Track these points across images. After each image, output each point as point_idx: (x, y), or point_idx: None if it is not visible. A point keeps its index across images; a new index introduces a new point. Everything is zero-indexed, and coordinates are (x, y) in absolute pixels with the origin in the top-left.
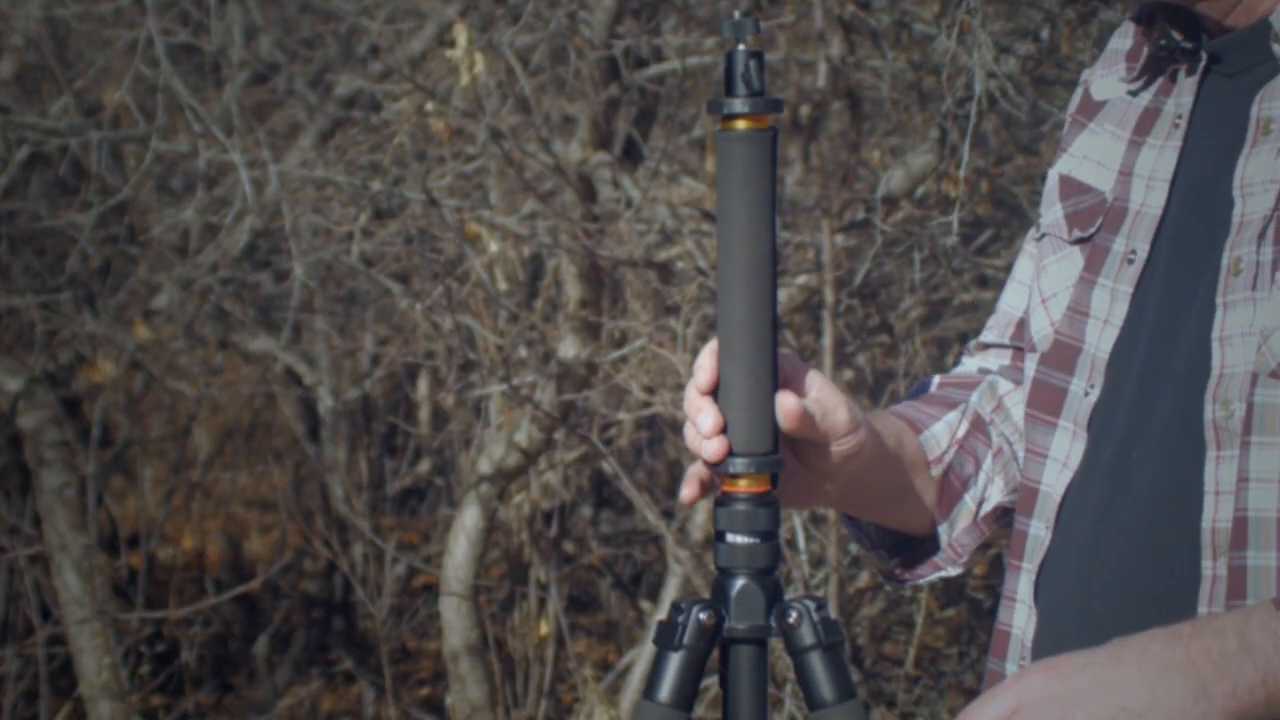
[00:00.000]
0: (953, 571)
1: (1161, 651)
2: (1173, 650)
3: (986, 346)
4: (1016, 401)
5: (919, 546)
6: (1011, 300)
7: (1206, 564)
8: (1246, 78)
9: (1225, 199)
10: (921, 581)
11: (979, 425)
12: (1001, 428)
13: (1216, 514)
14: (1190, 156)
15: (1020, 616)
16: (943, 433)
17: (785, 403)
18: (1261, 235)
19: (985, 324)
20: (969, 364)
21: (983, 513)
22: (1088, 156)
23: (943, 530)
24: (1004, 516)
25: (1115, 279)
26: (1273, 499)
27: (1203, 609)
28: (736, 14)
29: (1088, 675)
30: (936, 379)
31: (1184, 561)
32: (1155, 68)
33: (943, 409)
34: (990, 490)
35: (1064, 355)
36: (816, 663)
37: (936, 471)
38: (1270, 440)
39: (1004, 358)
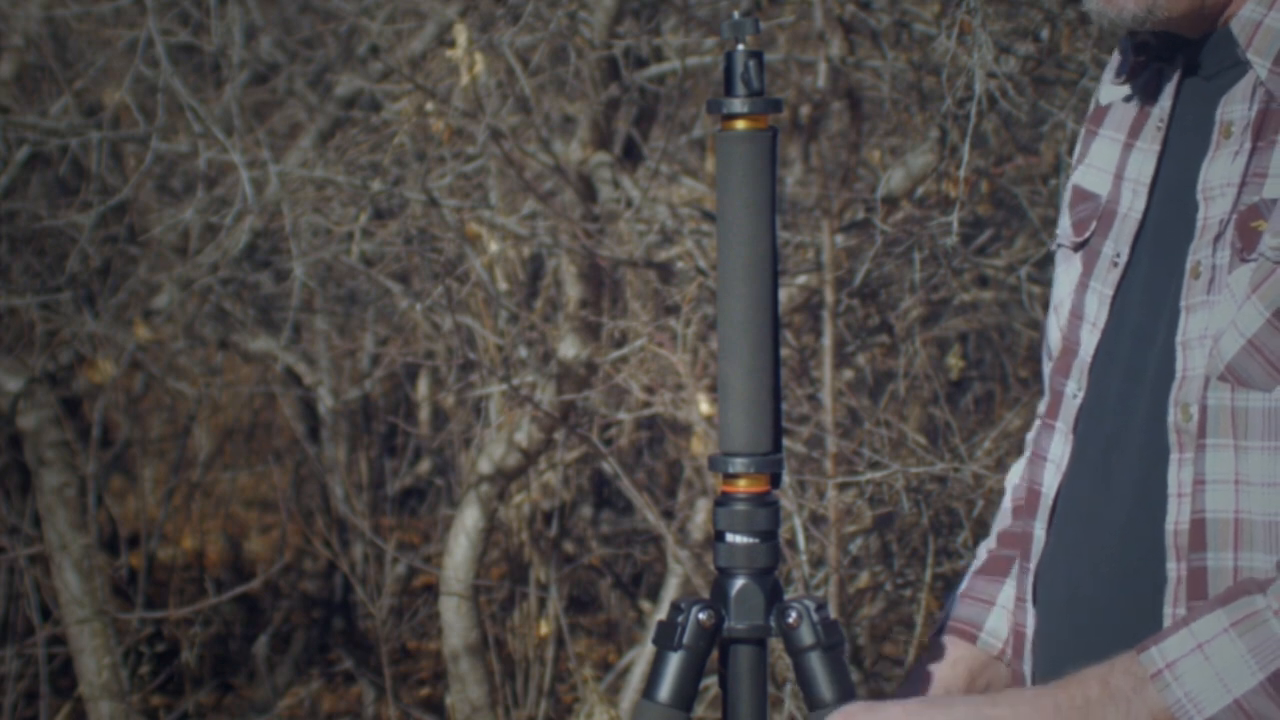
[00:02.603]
0: None
1: (1034, 698)
2: (1042, 698)
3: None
4: None
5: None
6: (1051, 330)
7: (1171, 565)
8: (1219, 81)
9: (1193, 203)
10: None
11: None
12: None
13: (1179, 516)
14: (1168, 160)
15: (1030, 616)
16: (1000, 622)
17: None
18: (1218, 238)
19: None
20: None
21: None
22: (1094, 164)
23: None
24: None
25: (1102, 282)
26: (1229, 500)
27: (1167, 610)
28: (736, 14)
29: (965, 708)
30: (1007, 508)
31: (1155, 564)
32: (1144, 74)
33: (998, 580)
34: None
35: (1066, 360)
36: (816, 663)
37: (1008, 656)
38: (1222, 442)
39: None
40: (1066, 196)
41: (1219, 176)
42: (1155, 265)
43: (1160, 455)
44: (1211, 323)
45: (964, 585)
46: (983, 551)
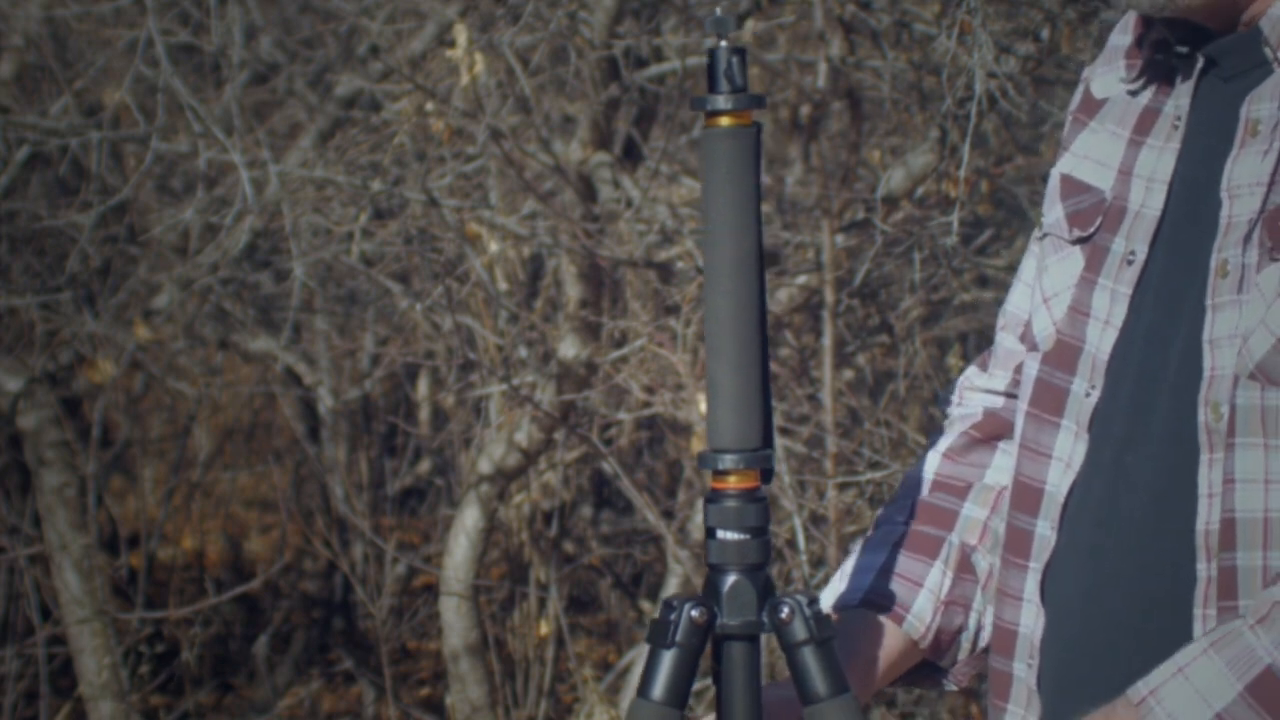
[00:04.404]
0: (953, 688)
1: None
2: None
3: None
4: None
5: (925, 675)
6: (1019, 302)
7: (1201, 566)
8: (1241, 81)
9: (1215, 201)
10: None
11: (964, 565)
12: (996, 529)
13: (1209, 516)
14: (1186, 159)
15: (1028, 615)
16: (925, 606)
17: None
18: (1247, 238)
19: (996, 323)
20: (972, 400)
21: (980, 645)
22: (1088, 156)
23: (944, 664)
24: None
25: (1115, 280)
26: (1259, 499)
27: (1197, 611)
28: (718, 10)
29: None
30: (928, 479)
31: (1181, 564)
32: (1154, 69)
33: (925, 560)
34: (985, 620)
35: (1066, 355)
36: (809, 657)
37: (926, 643)
38: (1253, 441)
39: (1008, 370)
40: (1054, 185)
41: (1245, 175)
42: (1171, 264)
43: (1184, 455)
44: (1241, 322)
45: (884, 558)
46: (897, 521)
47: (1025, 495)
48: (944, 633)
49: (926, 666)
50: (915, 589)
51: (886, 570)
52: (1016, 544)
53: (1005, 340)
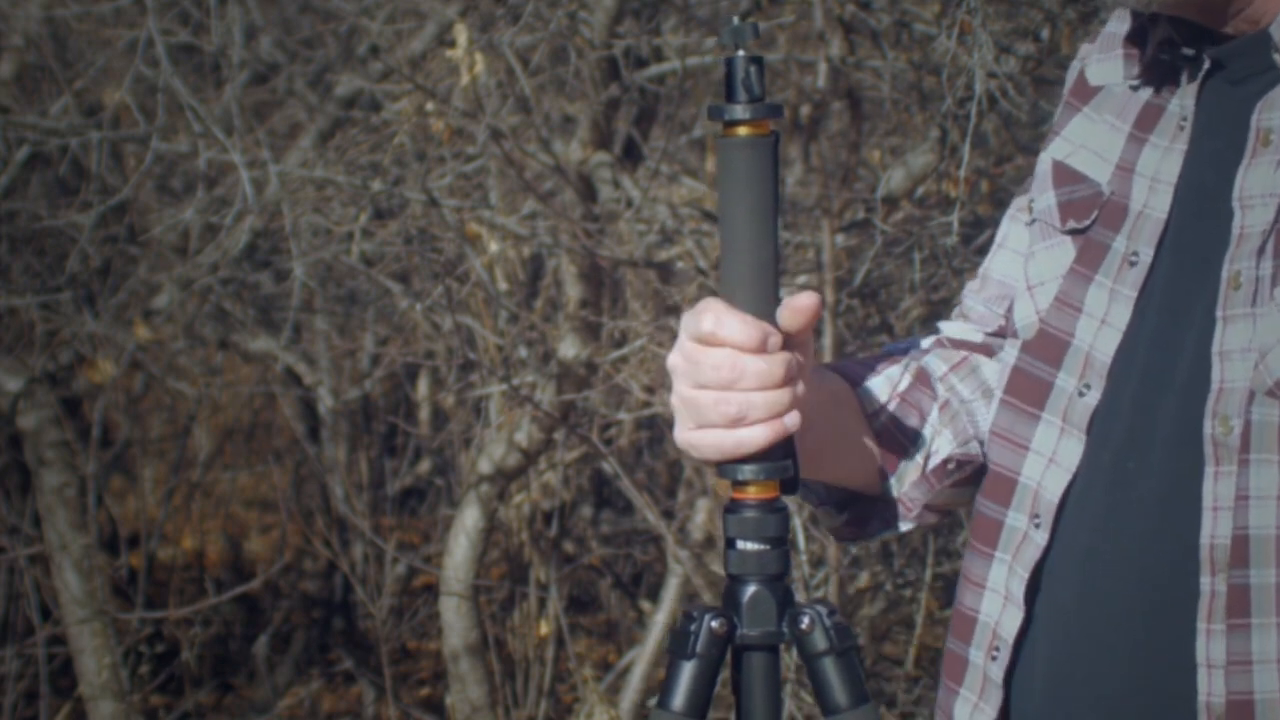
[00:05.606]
0: (904, 527)
1: None
2: None
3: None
4: (991, 371)
5: (869, 503)
6: (1006, 269)
7: (1205, 580)
8: (1249, 86)
9: (1226, 209)
10: (874, 539)
11: (923, 379)
12: (954, 383)
13: (1215, 530)
14: (1193, 161)
15: (992, 605)
16: (881, 386)
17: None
18: (1261, 250)
19: (971, 288)
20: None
21: (931, 465)
22: (1084, 145)
23: (892, 484)
24: (957, 470)
25: (1115, 280)
26: (1272, 516)
27: (1201, 625)
28: (735, 19)
29: None
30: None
31: (1181, 575)
32: (1157, 66)
33: (887, 364)
34: (938, 443)
35: (1050, 347)
36: (830, 668)
37: (876, 425)
38: (1267, 457)
39: (987, 327)
40: (1045, 170)
41: (1259, 185)
42: (1177, 269)
43: (1188, 466)
44: (1256, 337)
45: (855, 360)
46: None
47: (996, 484)
48: (896, 427)
49: (875, 501)
50: (873, 375)
51: (851, 363)
52: (982, 531)
53: (977, 305)
